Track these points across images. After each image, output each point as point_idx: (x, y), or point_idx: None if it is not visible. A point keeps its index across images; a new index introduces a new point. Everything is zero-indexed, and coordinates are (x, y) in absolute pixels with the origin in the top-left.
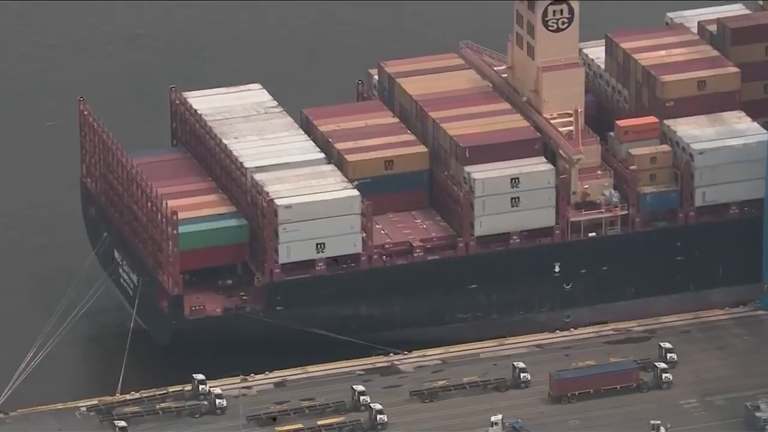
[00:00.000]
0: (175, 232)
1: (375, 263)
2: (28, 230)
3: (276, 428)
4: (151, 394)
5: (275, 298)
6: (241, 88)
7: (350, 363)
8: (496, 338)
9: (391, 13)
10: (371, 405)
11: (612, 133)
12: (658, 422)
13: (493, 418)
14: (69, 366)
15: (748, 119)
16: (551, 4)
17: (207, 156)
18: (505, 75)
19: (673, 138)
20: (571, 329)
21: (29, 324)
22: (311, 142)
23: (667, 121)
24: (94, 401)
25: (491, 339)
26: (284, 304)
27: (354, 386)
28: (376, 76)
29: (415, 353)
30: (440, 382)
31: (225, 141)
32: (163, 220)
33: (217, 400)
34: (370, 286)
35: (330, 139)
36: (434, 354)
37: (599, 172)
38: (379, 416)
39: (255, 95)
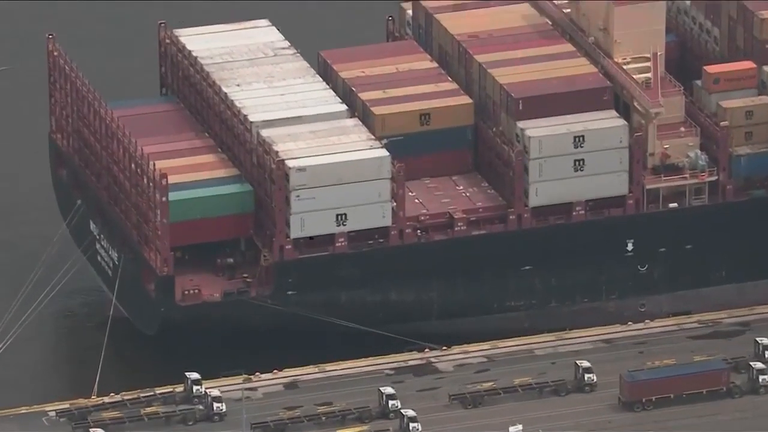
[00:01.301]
0: (164, 199)
1: (408, 239)
2: None
3: None
4: (135, 396)
5: (286, 281)
6: (246, 25)
7: (377, 360)
8: (554, 331)
9: None
10: (402, 411)
11: (699, 82)
12: None
13: (512, 429)
14: (34, 362)
15: None
16: None
17: (203, 108)
18: (568, 10)
19: None
20: (647, 321)
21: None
22: (330, 91)
23: (767, 67)
24: (66, 405)
25: (549, 332)
26: (297, 287)
27: (381, 388)
28: (410, 12)
29: (455, 349)
30: (486, 385)
31: (225, 89)
32: (150, 185)
33: (215, 404)
34: (402, 267)
35: (353, 88)
36: (479, 350)
37: (682, 129)
38: (411, 425)
39: (262, 34)
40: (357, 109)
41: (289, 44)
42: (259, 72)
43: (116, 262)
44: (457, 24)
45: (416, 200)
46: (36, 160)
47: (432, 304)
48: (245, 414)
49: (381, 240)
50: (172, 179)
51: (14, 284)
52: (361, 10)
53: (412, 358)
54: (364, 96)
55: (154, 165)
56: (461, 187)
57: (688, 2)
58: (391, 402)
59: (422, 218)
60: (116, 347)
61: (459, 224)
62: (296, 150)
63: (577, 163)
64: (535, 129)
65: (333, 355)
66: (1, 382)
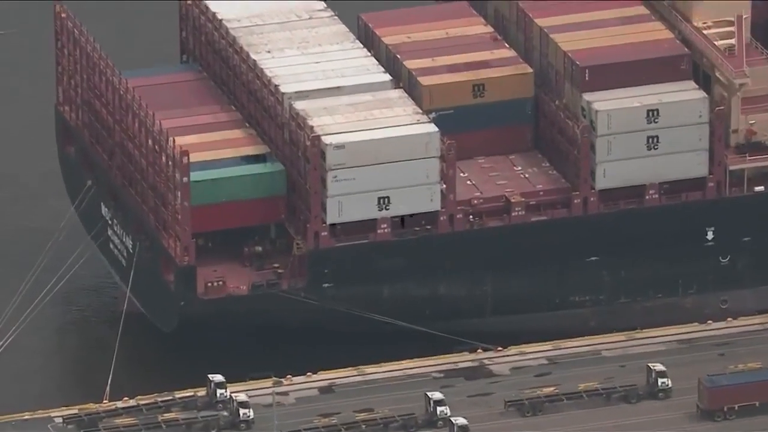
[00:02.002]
0: (185, 179)
1: (459, 225)
2: None
3: None
4: (152, 401)
5: (321, 272)
6: None
7: (423, 361)
8: (624, 330)
9: None
10: (452, 419)
11: None
12: None
13: None
14: (38, 362)
15: None
16: None
17: (229, 77)
18: None
19: None
20: (729, 319)
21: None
22: (372, 58)
23: None
24: (74, 410)
25: (618, 331)
26: (334, 280)
27: (429, 393)
28: None
29: (512, 349)
30: (546, 390)
31: (254, 57)
32: (169, 163)
33: (242, 411)
34: (452, 257)
35: (398, 55)
36: (539, 351)
37: None
38: None
39: None
40: (402, 80)
41: (325, 6)
42: (292, 37)
43: (131, 251)
44: None
45: (468, 182)
46: (40, 136)
47: (486, 299)
48: (276, 421)
49: (428, 227)
50: (194, 157)
51: (16, 276)
52: None
53: (463, 359)
54: (410, 64)
55: (173, 141)
56: (519, 168)
57: None
58: (439, 409)
59: (475, 202)
60: (130, 346)
61: (516, 209)
62: (333, 125)
63: (650, 140)
64: (603, 102)
65: (374, 356)
66: (2, 384)
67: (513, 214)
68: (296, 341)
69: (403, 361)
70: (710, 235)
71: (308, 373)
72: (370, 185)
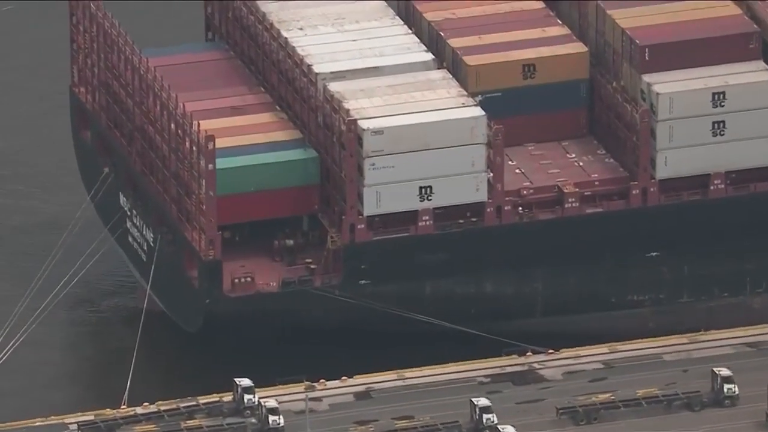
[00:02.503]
0: (210, 167)
1: (507, 218)
2: None
3: None
4: (174, 406)
5: (358, 268)
6: None
7: (468, 365)
8: (687, 332)
9: None
10: (499, 427)
11: None
12: None
13: None
14: (52, 364)
15: None
16: None
17: (258, 56)
18: None
19: None
20: None
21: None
22: (413, 36)
23: None
24: (90, 416)
25: (679, 333)
26: (371, 276)
27: (474, 399)
28: None
29: (564, 352)
30: (602, 396)
31: (286, 34)
32: (194, 149)
33: (271, 417)
34: (500, 252)
35: (441, 33)
36: (594, 354)
37: None
38: None
39: None
40: (446, 59)
41: None
42: (326, 13)
43: (151, 244)
44: None
45: (517, 170)
46: (53, 120)
47: (536, 298)
48: (308, 429)
49: (474, 219)
50: (220, 143)
51: (27, 271)
52: None
53: (512, 363)
54: (455, 43)
55: (198, 125)
56: (573, 155)
57: None
58: (485, 416)
59: (525, 192)
60: (151, 347)
61: (570, 200)
62: (371, 108)
63: (716, 125)
64: (664, 84)
65: (415, 359)
66: (12, 388)
67: (566, 205)
68: (330, 342)
69: (446, 365)
70: None
71: (343, 377)
72: (411, 174)
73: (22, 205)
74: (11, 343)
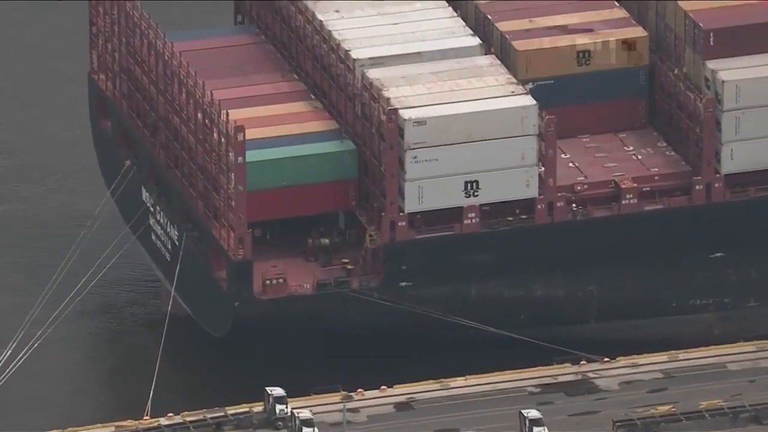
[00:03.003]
0: (240, 160)
1: (559, 215)
2: (5, 158)
3: None
4: (200, 417)
5: (398, 269)
6: None
7: (517, 374)
8: (753, 340)
9: None
10: None
11: None
12: None
13: None
14: (68, 372)
15: None
16: None
17: (291, 41)
18: None
19: None
20: None
21: (7, 306)
22: (459, 19)
23: None
24: (110, 428)
25: (746, 341)
26: (413, 277)
27: (523, 411)
28: None
29: (621, 360)
30: (662, 408)
31: (321, 17)
32: (222, 141)
33: (305, 429)
34: (552, 252)
35: (489, 16)
36: (653, 362)
37: None
38: None
39: None
40: (494, 44)
41: None
42: None
43: (176, 243)
44: None
45: (571, 164)
46: (71, 109)
47: (590, 302)
48: None
49: (524, 216)
50: (251, 134)
51: (41, 272)
52: None
53: (564, 372)
54: (504, 26)
55: (227, 115)
56: (631, 148)
57: None
58: (536, 429)
59: (579, 188)
60: (175, 354)
61: (628, 196)
62: (413, 97)
63: None
64: (730, 71)
65: (459, 367)
66: (26, 398)
67: (623, 202)
68: (369, 349)
69: (493, 374)
70: None
71: (383, 387)
72: (456, 167)
73: (35, 201)
74: (24, 350)
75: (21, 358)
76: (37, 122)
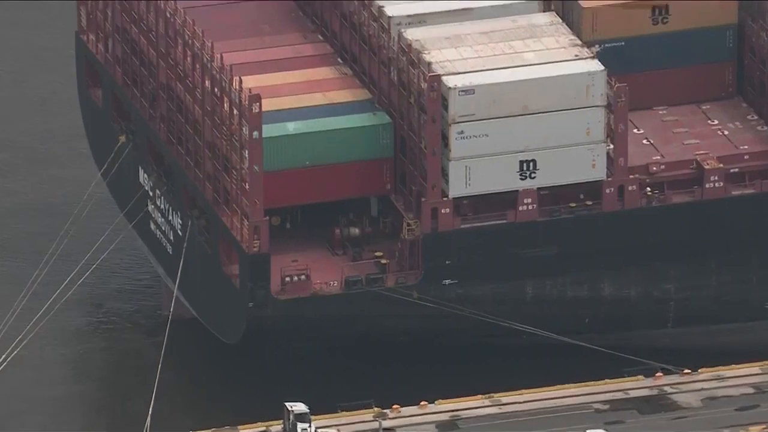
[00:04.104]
0: (255, 135)
1: (631, 201)
2: None
3: None
4: None
5: (441, 264)
6: None
7: (581, 388)
8: None
9: None
10: None
11: None
12: None
13: None
14: (56, 385)
15: None
16: None
17: None
18: None
19: None
20: None
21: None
22: None
23: None
24: None
25: None
26: (458, 274)
27: (590, 431)
28: None
29: (703, 372)
30: (753, 429)
31: None
32: (235, 113)
33: None
34: (622, 245)
35: None
36: (741, 375)
37: None
38: None
39: None
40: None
41: None
42: None
43: (180, 233)
44: None
45: (645, 141)
46: (55, 75)
47: (667, 304)
48: None
49: (590, 202)
50: (268, 104)
51: (23, 266)
52: None
53: (637, 385)
54: None
55: (240, 82)
56: (716, 122)
57: None
58: None
59: (654, 169)
60: (179, 363)
61: (712, 178)
62: (459, 61)
63: None
64: None
65: (513, 379)
66: (6, 415)
67: (707, 185)
68: (406, 357)
69: (552, 388)
70: None
71: (422, 403)
72: (510, 145)
73: (13, 184)
74: (5, 356)
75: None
76: (11, 91)
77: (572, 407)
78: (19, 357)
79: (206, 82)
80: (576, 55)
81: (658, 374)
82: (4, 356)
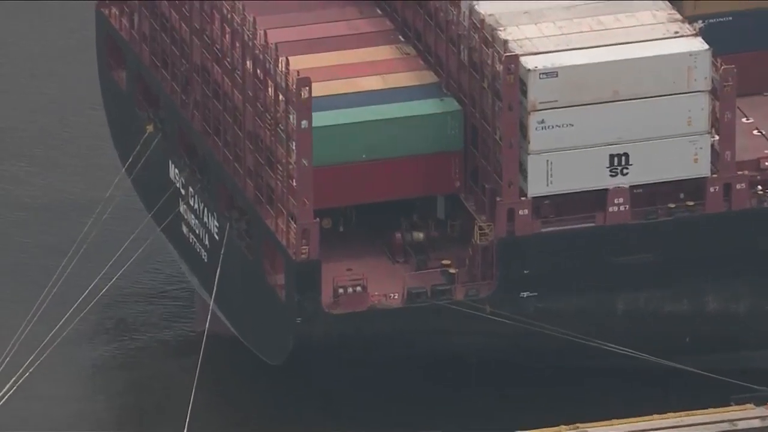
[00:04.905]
0: (305, 124)
1: (739, 201)
2: None
3: None
4: None
5: (519, 274)
6: None
7: (681, 418)
8: None
9: None
10: None
11: None
12: None
13: None
14: (74, 410)
15: None
16: None
17: None
18: None
19: None
20: None
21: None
22: None
23: None
24: None
25: None
26: (538, 285)
27: None
28: None
29: None
30: None
31: None
32: (280, 98)
33: None
34: (729, 252)
35: None
36: None
37: None
38: None
39: None
40: None
41: None
42: None
43: (217, 237)
44: None
45: (756, 131)
46: (76, 54)
47: None
48: None
49: (691, 203)
50: (319, 89)
51: (34, 277)
52: None
53: (746, 415)
54: None
55: (287, 63)
56: None
57: None
58: None
59: (766, 164)
60: (215, 387)
61: None
62: (539, 39)
63: None
64: None
65: (601, 408)
66: None
67: None
68: (477, 382)
69: (647, 417)
70: None
71: None
72: (598, 136)
73: (25, 181)
74: (12, 381)
75: (9, 389)
76: (30, 72)
77: None
78: (29, 383)
79: (248, 63)
80: (676, 32)
81: None
82: (12, 381)
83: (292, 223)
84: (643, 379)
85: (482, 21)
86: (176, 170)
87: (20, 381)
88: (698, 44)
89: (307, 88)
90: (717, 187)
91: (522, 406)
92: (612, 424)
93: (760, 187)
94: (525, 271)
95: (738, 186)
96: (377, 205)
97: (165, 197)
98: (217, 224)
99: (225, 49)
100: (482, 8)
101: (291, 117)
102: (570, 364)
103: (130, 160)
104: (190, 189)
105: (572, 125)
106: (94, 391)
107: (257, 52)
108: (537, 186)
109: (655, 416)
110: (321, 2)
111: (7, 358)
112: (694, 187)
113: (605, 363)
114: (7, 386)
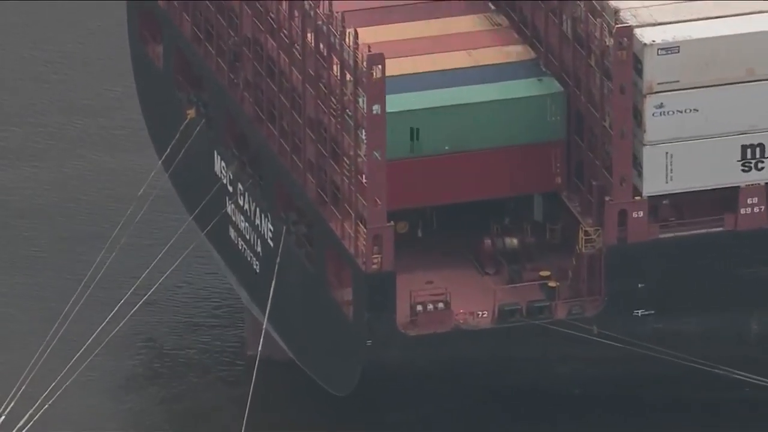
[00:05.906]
0: (376, 109)
1: None
2: (14, 107)
3: None
4: None
5: (632, 288)
6: None
7: None
8: None
9: None
10: None
11: None
12: None
13: None
14: None
15: None
16: None
17: None
18: None
19: None
20: None
21: (14, 339)
22: None
23: None
24: None
25: None
26: (655, 302)
27: None
28: None
29: None
30: None
31: None
32: (348, 79)
33: None
34: None
35: None
36: None
37: None
38: None
39: None
40: None
41: None
42: None
43: (271, 244)
44: None
45: None
46: (102, 27)
47: None
48: None
49: None
50: (393, 67)
51: (58, 287)
52: None
53: None
54: None
55: (355, 36)
56: None
57: None
58: None
59: None
60: (269, 420)
61: None
62: (657, 8)
63: None
64: None
65: None
66: None
67: None
68: (581, 414)
69: None
70: None
71: None
72: (728, 124)
73: (47, 175)
74: (29, 413)
75: (31, 418)
76: (56, 56)
77: None
78: (52, 411)
79: (308, 36)
80: None
81: None
82: (32, 410)
83: (362, 227)
84: None
85: None
86: (223, 163)
87: (45, 406)
88: None
89: (380, 66)
90: None
91: None
92: None
93: None
94: (639, 285)
95: None
96: (462, 205)
97: (209, 196)
98: (272, 228)
99: (281, 20)
100: None
101: (360, 101)
102: (693, 395)
103: (167, 151)
104: (239, 186)
105: (697, 110)
106: (126, 419)
107: (320, 22)
108: (654, 183)
109: None
110: None
111: (26, 382)
112: None
113: (736, 395)
114: (31, 410)
